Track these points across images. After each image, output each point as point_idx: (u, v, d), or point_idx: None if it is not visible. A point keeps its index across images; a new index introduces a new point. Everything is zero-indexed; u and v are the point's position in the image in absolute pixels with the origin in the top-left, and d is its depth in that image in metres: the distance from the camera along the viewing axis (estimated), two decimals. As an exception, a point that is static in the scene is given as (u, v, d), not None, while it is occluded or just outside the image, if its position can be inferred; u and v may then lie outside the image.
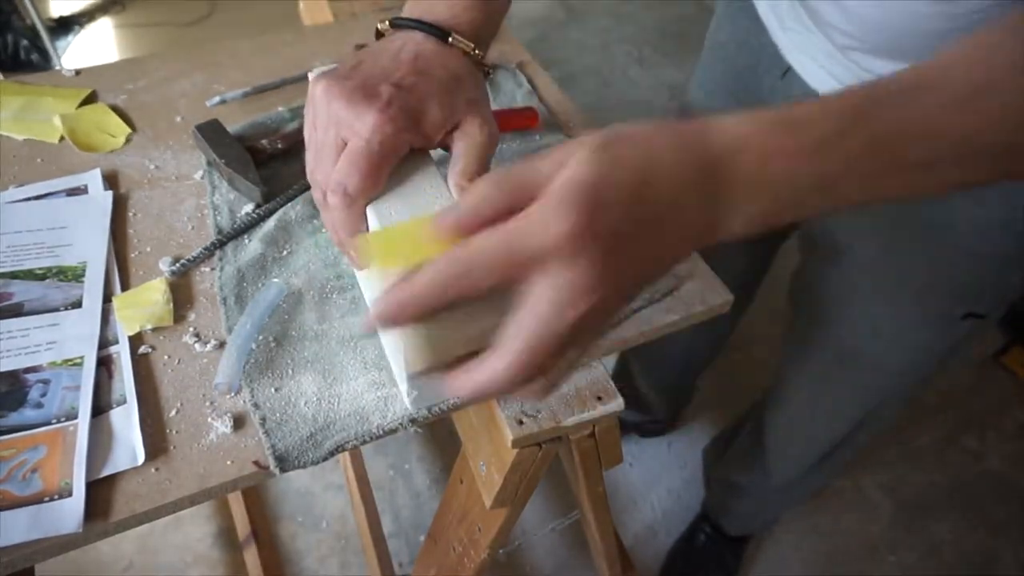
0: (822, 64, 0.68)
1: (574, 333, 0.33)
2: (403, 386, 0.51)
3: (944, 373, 0.89)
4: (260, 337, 0.56)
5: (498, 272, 0.32)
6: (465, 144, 0.47)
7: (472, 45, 0.48)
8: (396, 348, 0.44)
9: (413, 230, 0.35)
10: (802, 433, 1.04)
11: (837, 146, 0.35)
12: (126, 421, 0.51)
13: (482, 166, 0.47)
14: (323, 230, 0.65)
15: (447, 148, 0.49)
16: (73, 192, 0.67)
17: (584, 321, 0.33)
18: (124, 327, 0.56)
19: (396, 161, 0.46)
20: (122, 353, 0.55)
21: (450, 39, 0.47)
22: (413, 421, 0.52)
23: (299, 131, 0.73)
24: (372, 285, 0.47)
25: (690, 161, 0.34)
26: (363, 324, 0.46)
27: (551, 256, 0.32)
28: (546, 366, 0.34)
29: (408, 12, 0.49)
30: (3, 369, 0.53)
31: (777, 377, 1.05)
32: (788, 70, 0.73)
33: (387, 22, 0.48)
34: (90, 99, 0.77)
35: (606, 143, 0.34)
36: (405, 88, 0.44)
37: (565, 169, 0.33)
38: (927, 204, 0.67)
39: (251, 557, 1.24)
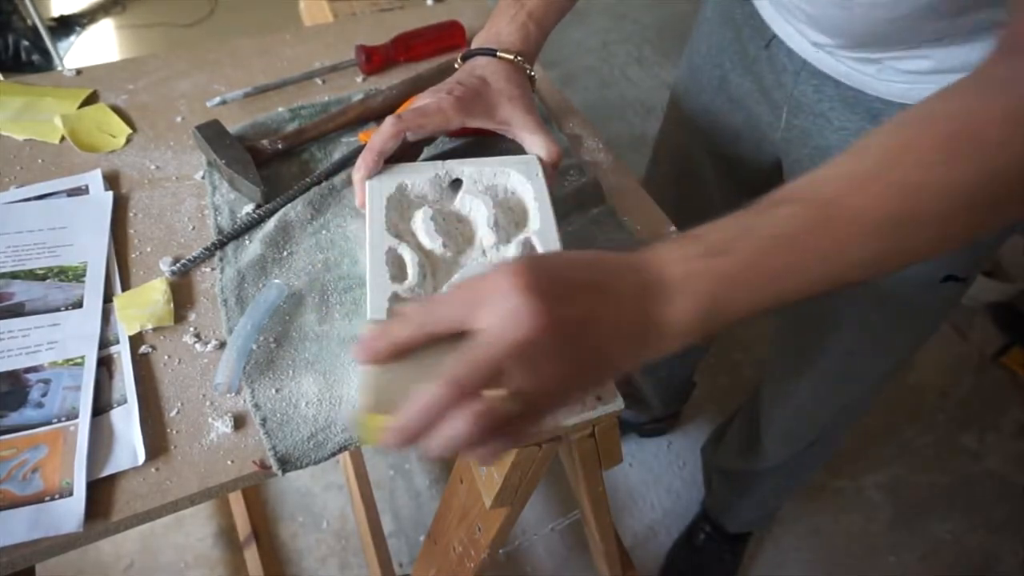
0: (805, 34, 0.71)
1: (504, 370, 0.37)
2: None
3: (925, 347, 0.91)
4: (260, 338, 0.56)
5: (456, 310, 0.38)
6: (522, 136, 0.64)
7: (513, 55, 0.65)
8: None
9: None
10: (792, 406, 1.05)
11: (733, 249, 0.40)
12: (126, 421, 0.51)
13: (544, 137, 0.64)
14: (324, 231, 0.65)
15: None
16: (74, 192, 0.67)
17: (513, 359, 0.37)
18: (125, 327, 0.56)
19: (439, 122, 0.61)
20: (123, 353, 0.55)
21: (497, 54, 0.65)
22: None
23: (299, 131, 0.73)
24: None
25: (618, 257, 0.41)
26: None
27: (497, 297, 0.37)
28: (478, 403, 0.37)
29: (473, 45, 0.68)
30: (4, 369, 0.53)
31: (769, 358, 1.07)
32: (773, 39, 0.75)
33: (460, 57, 0.69)
34: (91, 99, 0.78)
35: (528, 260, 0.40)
36: (463, 84, 0.63)
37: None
38: None
39: (251, 557, 1.24)
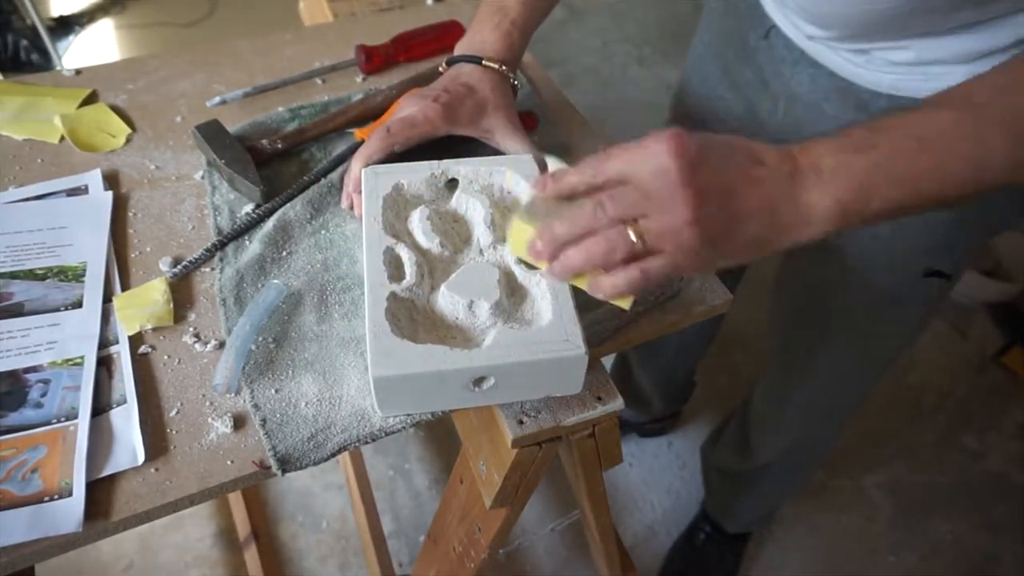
0: (799, 27, 0.71)
1: (646, 213, 0.43)
2: (373, 395, 0.51)
3: (911, 347, 0.92)
4: (259, 338, 0.56)
5: (617, 164, 0.45)
6: (504, 144, 0.67)
7: (499, 65, 0.66)
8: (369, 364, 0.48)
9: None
10: (782, 404, 1.06)
11: (879, 145, 0.44)
12: (126, 421, 0.51)
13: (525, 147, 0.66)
14: (323, 231, 0.65)
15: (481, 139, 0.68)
16: (73, 192, 0.67)
17: (653, 203, 0.43)
18: (124, 327, 0.56)
19: (427, 131, 0.63)
20: (122, 353, 0.55)
21: (483, 62, 0.66)
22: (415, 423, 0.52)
23: (299, 131, 0.73)
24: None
25: (772, 147, 0.46)
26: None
27: (648, 155, 0.44)
28: (618, 234, 0.44)
29: (457, 51, 0.69)
30: (3, 369, 0.53)
31: (767, 357, 1.07)
32: (772, 28, 0.76)
33: (444, 62, 0.70)
34: (90, 99, 0.77)
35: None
36: (449, 91, 0.64)
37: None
38: None
39: (251, 557, 1.24)
